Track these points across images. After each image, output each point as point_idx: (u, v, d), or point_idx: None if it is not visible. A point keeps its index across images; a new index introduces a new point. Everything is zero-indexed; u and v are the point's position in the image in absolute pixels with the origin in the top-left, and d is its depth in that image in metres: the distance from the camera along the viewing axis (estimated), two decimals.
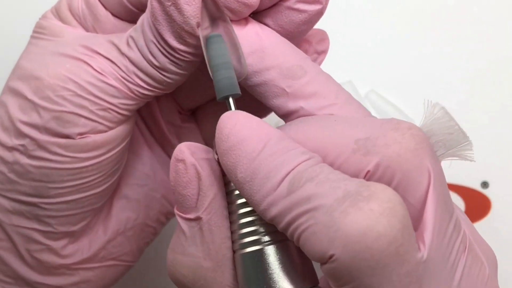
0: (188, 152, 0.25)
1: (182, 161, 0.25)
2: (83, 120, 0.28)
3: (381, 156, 0.23)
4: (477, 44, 0.45)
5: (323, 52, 0.31)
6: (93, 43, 0.28)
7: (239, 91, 0.26)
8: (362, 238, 0.21)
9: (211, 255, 0.25)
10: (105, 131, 0.28)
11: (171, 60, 0.27)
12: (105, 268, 0.33)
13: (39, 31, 0.30)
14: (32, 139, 0.28)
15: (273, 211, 0.23)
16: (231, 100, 0.26)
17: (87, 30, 0.30)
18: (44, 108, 0.27)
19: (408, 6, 0.45)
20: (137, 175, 0.34)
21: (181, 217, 0.26)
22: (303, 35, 0.29)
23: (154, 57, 0.27)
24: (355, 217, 0.21)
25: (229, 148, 0.24)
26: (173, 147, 0.34)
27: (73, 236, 0.31)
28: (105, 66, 0.28)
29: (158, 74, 0.27)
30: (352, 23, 0.45)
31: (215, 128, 0.35)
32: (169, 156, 0.35)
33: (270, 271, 0.25)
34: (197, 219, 0.25)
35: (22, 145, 0.28)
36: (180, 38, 0.26)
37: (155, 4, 0.26)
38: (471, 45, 0.45)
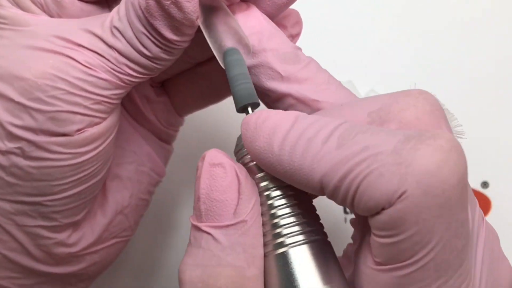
0: (224, 155, 0.25)
1: (220, 165, 0.25)
2: (78, 116, 0.27)
3: (398, 122, 0.23)
4: (477, 44, 0.45)
5: (297, 35, 0.31)
6: (70, 34, 0.27)
7: (258, 100, 0.26)
8: (437, 172, 0.21)
9: (256, 262, 0.25)
10: (101, 122, 0.28)
11: (164, 50, 0.27)
12: (108, 248, 0.33)
13: None
14: (28, 141, 0.27)
15: (322, 168, 0.23)
16: (249, 109, 0.26)
17: (51, 17, 0.29)
18: (37, 110, 0.27)
19: (409, 6, 0.45)
20: (124, 154, 0.34)
21: (215, 226, 0.24)
22: (279, 15, 0.30)
23: (146, 48, 0.27)
24: (427, 152, 0.21)
25: (259, 130, 0.24)
26: (149, 121, 0.35)
27: (76, 225, 0.31)
28: (92, 59, 0.27)
29: (150, 63, 0.27)
30: (352, 23, 0.45)
31: (186, 101, 0.36)
32: (149, 130, 0.35)
33: (305, 271, 0.24)
34: (240, 223, 0.24)
35: (18, 148, 0.27)
36: (177, 31, 0.26)
37: (151, 2, 0.26)
38: (471, 45, 0.45)
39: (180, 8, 0.25)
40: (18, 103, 0.27)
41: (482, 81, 0.44)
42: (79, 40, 0.27)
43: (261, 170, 0.26)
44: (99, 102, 0.27)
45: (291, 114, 0.25)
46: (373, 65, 0.45)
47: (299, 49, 0.28)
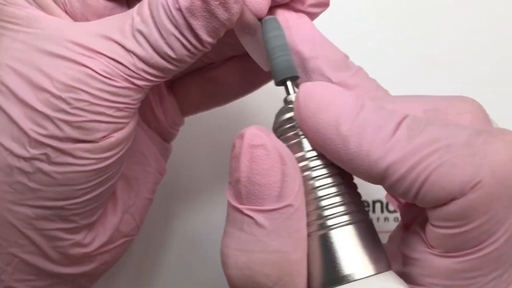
0: (265, 135, 0.24)
1: (261, 146, 0.24)
2: (103, 125, 0.27)
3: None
4: (477, 44, 0.45)
5: (314, 14, 0.30)
6: (86, 39, 0.27)
7: (297, 73, 0.26)
8: (511, 164, 0.22)
9: (301, 245, 0.24)
10: (124, 127, 0.28)
11: (191, 53, 0.26)
12: (118, 247, 0.33)
13: (10, 21, 0.28)
14: (54, 148, 0.26)
15: (391, 157, 0.23)
16: (289, 83, 0.26)
17: (74, 17, 0.29)
18: (62, 121, 0.26)
19: (409, 6, 0.46)
20: (132, 155, 0.34)
21: (258, 210, 0.24)
22: None
23: (172, 50, 0.26)
24: (500, 145, 0.22)
25: (327, 103, 0.24)
26: (158, 121, 0.35)
27: (91, 225, 0.31)
28: (109, 67, 0.26)
29: (169, 66, 0.27)
30: (352, 23, 0.45)
31: (194, 102, 0.36)
32: (155, 131, 0.35)
33: (350, 251, 0.24)
34: (285, 208, 0.24)
35: (44, 154, 0.27)
36: (213, 33, 0.26)
37: (197, 3, 0.25)
38: (472, 45, 0.45)
39: (227, 9, 0.25)
40: (42, 112, 0.26)
41: (483, 81, 0.45)
42: (95, 46, 0.26)
43: (307, 148, 0.25)
44: (121, 109, 0.27)
45: (359, 97, 0.25)
46: (373, 65, 0.45)
47: (348, 57, 0.29)
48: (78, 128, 0.26)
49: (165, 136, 0.36)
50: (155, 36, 0.26)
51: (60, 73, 0.26)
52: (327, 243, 0.24)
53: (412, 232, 0.26)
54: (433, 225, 0.24)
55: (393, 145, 0.23)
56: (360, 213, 0.25)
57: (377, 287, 0.24)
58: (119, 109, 0.27)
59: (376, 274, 0.24)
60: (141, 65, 0.26)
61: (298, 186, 0.24)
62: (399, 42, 0.45)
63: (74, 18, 0.29)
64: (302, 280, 0.24)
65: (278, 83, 0.26)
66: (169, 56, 0.26)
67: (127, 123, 0.28)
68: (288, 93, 0.26)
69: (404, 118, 0.24)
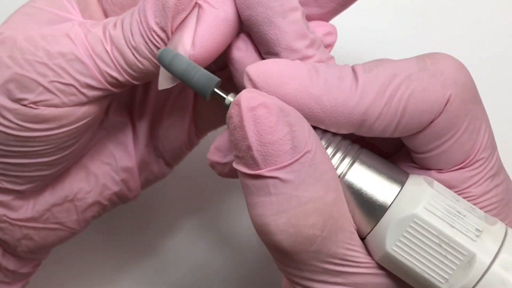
0: (259, 94, 0.24)
1: (261, 105, 0.23)
2: (40, 88, 0.27)
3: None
4: (478, 44, 0.45)
5: (329, 45, 0.30)
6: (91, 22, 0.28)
7: (218, 78, 0.26)
8: (463, 71, 0.25)
9: (331, 185, 0.24)
10: (59, 106, 0.28)
11: (145, 41, 0.27)
12: (49, 230, 0.33)
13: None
14: None
15: (366, 100, 0.24)
16: (217, 90, 0.26)
17: (112, 6, 0.30)
18: (7, 67, 0.27)
19: (409, 6, 0.45)
20: (103, 152, 0.34)
21: (280, 168, 0.23)
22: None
23: (132, 35, 0.27)
24: (445, 61, 0.25)
25: (286, 77, 0.24)
26: (179, 156, 0.36)
27: (20, 193, 0.31)
28: (82, 39, 0.27)
29: (131, 54, 0.27)
30: (352, 22, 0.45)
31: (212, 126, 0.37)
32: (161, 155, 0.35)
33: (370, 185, 0.25)
34: (304, 155, 0.24)
35: None
36: (159, 18, 0.26)
37: None
38: (472, 44, 0.45)
39: None
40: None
41: (482, 81, 0.44)
42: (89, 24, 0.28)
43: None
44: (66, 84, 0.27)
45: (307, 63, 0.25)
46: None
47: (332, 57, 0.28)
48: (16, 80, 0.27)
49: (170, 162, 0.36)
50: (127, 21, 0.27)
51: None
52: (348, 189, 0.25)
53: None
54: (418, 153, 0.26)
55: (363, 89, 0.24)
56: (354, 146, 0.26)
57: (409, 195, 0.25)
58: (64, 83, 0.27)
59: (402, 187, 0.25)
60: (110, 46, 0.27)
61: (308, 130, 0.24)
62: (399, 41, 0.45)
63: (113, 8, 0.30)
64: (346, 220, 0.25)
65: (209, 97, 0.26)
66: (130, 42, 0.27)
67: (64, 104, 0.28)
68: (222, 98, 0.26)
69: (353, 66, 0.25)
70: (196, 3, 0.26)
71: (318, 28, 0.29)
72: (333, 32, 0.30)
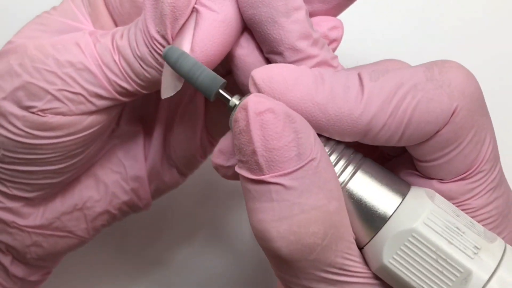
0: (267, 99, 0.24)
1: (268, 110, 0.23)
2: (49, 96, 0.27)
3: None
4: (478, 44, 0.45)
5: (335, 40, 0.30)
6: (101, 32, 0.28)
7: (223, 80, 0.26)
8: (471, 82, 0.25)
9: (334, 194, 0.24)
10: (67, 115, 0.28)
11: (149, 50, 0.27)
12: (58, 238, 0.33)
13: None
14: None
15: (371, 110, 0.24)
16: (222, 91, 0.25)
17: (121, 17, 0.30)
18: (17, 75, 0.27)
19: (410, 6, 0.45)
20: (113, 161, 0.34)
21: (283, 174, 0.23)
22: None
23: (137, 45, 0.27)
24: (454, 70, 0.25)
25: (291, 84, 0.24)
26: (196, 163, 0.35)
27: (29, 201, 0.31)
28: (91, 49, 0.27)
29: (138, 64, 0.27)
30: (352, 22, 0.45)
31: (222, 127, 0.36)
32: (165, 160, 0.35)
33: (371, 194, 0.25)
34: (308, 163, 0.24)
35: None
36: (159, 26, 0.26)
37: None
38: (472, 44, 0.45)
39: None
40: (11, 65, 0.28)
41: (483, 81, 0.44)
42: (99, 34, 0.28)
43: None
44: (75, 93, 0.28)
45: (313, 69, 0.25)
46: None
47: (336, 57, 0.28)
48: (25, 88, 0.27)
49: (183, 170, 0.36)
50: (132, 31, 0.27)
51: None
52: (349, 197, 0.25)
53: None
54: (421, 161, 0.26)
55: (368, 100, 0.24)
56: (357, 155, 0.26)
57: (409, 208, 0.25)
58: (72, 91, 0.27)
59: (403, 199, 0.25)
60: (117, 56, 0.28)
61: (313, 138, 0.24)
62: (399, 41, 0.45)
63: (121, 18, 0.30)
64: (346, 229, 0.25)
65: (214, 97, 0.26)
66: (136, 52, 0.27)
67: (72, 113, 0.28)
68: (227, 99, 0.25)
69: (359, 73, 0.25)
70: (193, 7, 0.26)
71: (324, 22, 0.29)
72: (339, 26, 0.29)
